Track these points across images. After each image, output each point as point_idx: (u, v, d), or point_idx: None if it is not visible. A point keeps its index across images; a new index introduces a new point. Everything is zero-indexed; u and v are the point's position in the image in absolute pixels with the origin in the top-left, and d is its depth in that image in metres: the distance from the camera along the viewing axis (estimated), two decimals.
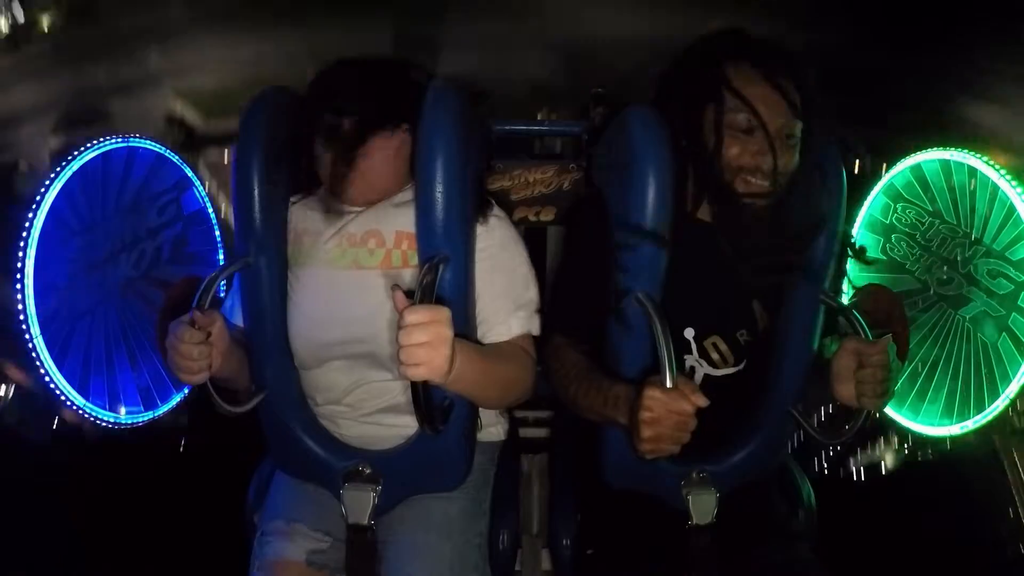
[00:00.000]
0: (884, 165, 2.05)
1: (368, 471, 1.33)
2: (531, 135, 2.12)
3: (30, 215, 1.61)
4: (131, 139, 1.83)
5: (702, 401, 1.08)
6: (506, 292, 1.32)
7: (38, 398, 1.70)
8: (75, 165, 1.69)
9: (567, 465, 1.57)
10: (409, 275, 1.29)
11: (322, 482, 1.37)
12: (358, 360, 1.32)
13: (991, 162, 1.75)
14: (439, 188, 1.18)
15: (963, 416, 1.82)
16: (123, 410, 1.82)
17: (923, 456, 2.08)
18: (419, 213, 1.21)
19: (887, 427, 2.09)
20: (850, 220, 2.03)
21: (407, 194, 1.33)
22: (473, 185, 1.27)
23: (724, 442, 1.36)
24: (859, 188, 2.05)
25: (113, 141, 1.78)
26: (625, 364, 1.26)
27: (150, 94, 2.15)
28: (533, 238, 1.40)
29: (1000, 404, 1.74)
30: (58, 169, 1.66)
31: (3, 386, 1.77)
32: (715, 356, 1.35)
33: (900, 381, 1.90)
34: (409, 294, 1.06)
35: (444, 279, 1.17)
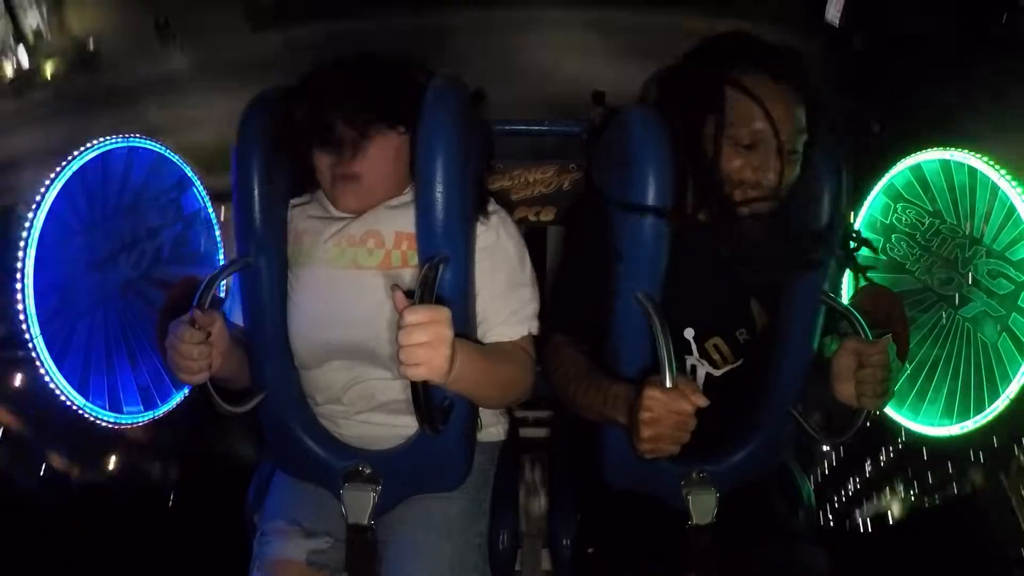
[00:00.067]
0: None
1: (368, 471, 1.33)
2: (531, 135, 2.12)
3: (30, 215, 1.61)
4: (131, 139, 1.83)
5: (702, 401, 1.08)
6: (506, 292, 1.32)
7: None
8: (75, 165, 1.69)
9: (567, 465, 1.57)
10: (409, 275, 1.29)
11: (322, 482, 1.37)
12: (358, 359, 1.32)
13: (991, 162, 1.75)
14: (439, 188, 1.18)
15: (963, 416, 1.82)
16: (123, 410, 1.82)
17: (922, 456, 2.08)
18: (419, 213, 1.21)
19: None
20: (861, 199, 2.01)
21: (407, 195, 1.33)
22: (473, 185, 1.27)
23: (724, 442, 1.36)
24: (877, 162, 2.02)
25: (113, 141, 1.78)
26: (625, 364, 1.26)
27: None
28: (533, 238, 1.40)
29: (1000, 404, 1.74)
30: (58, 169, 1.66)
31: None
32: (716, 357, 1.35)
33: (900, 381, 1.90)
34: (409, 294, 1.06)
35: (444, 279, 1.17)
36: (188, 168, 2.02)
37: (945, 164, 1.86)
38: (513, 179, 1.90)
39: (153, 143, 1.90)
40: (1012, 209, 1.71)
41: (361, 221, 1.33)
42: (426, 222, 1.20)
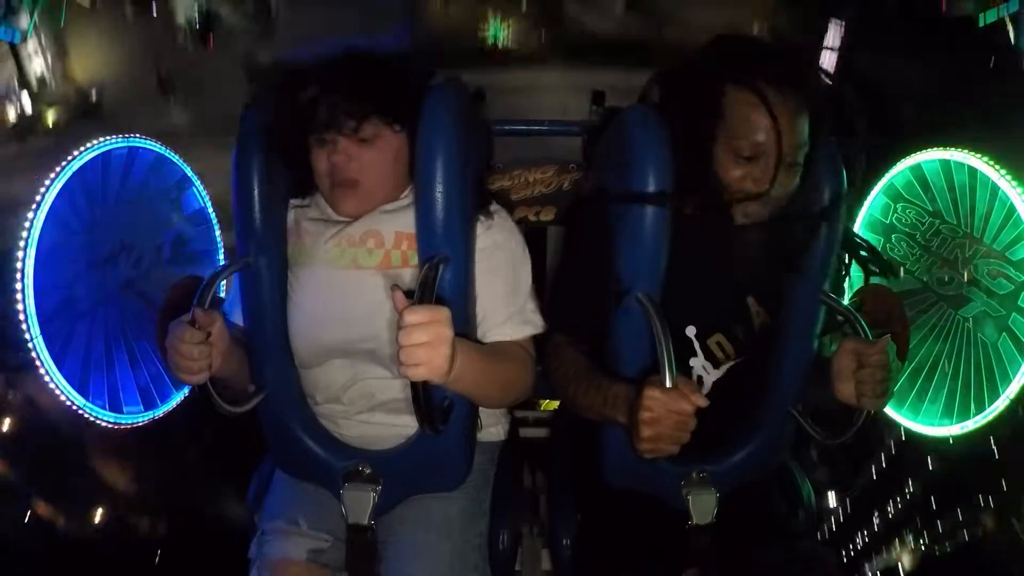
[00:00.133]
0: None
1: (368, 471, 1.33)
2: (531, 135, 2.12)
3: (30, 215, 1.61)
4: (131, 139, 1.83)
5: (702, 401, 1.09)
6: (506, 292, 1.32)
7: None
8: (75, 165, 1.69)
9: (567, 465, 1.57)
10: (409, 275, 1.29)
11: (322, 482, 1.37)
12: (358, 358, 1.32)
13: (991, 162, 1.75)
14: (439, 188, 1.18)
15: (963, 416, 1.81)
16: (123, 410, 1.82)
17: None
18: (419, 213, 1.21)
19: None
20: (860, 199, 2.00)
21: (407, 198, 1.33)
22: (473, 185, 1.27)
23: (724, 442, 1.36)
24: (877, 162, 2.01)
25: (113, 141, 1.78)
26: (625, 364, 1.26)
27: None
28: (533, 238, 1.40)
29: (1000, 404, 1.74)
30: (58, 169, 1.66)
31: None
32: (720, 355, 1.35)
33: (900, 381, 1.90)
34: (409, 294, 1.06)
35: (444, 279, 1.17)
36: (188, 168, 2.02)
37: (945, 164, 1.86)
38: (513, 179, 1.90)
39: (153, 143, 1.90)
40: (1012, 209, 1.71)
41: (361, 221, 1.33)
42: (426, 222, 1.20)
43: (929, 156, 1.90)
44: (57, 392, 1.66)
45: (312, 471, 1.37)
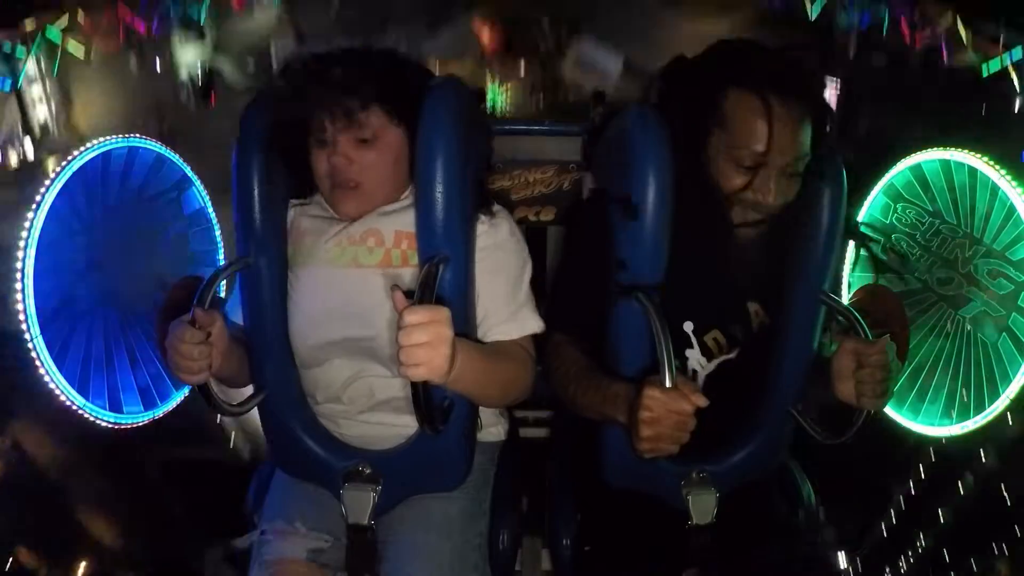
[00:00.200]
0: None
1: (368, 471, 1.33)
2: (531, 135, 2.12)
3: (30, 215, 1.61)
4: (131, 139, 1.83)
5: (702, 401, 1.09)
6: (506, 292, 1.32)
7: None
8: (75, 165, 1.69)
9: (566, 465, 1.58)
10: (409, 274, 1.29)
11: (322, 482, 1.37)
12: (358, 356, 1.32)
13: (991, 162, 1.75)
14: (439, 188, 1.18)
15: (963, 416, 1.81)
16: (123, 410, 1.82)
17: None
18: (419, 213, 1.21)
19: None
20: (861, 199, 2.00)
21: (407, 198, 1.33)
22: (473, 185, 1.27)
23: (724, 442, 1.36)
24: (877, 162, 2.02)
25: (113, 141, 1.78)
26: (625, 364, 1.26)
27: None
28: (533, 238, 1.40)
29: (1000, 404, 1.74)
30: (58, 169, 1.66)
31: None
32: (714, 348, 1.35)
33: (900, 381, 1.90)
34: (409, 294, 1.06)
35: (444, 279, 1.17)
36: (188, 168, 2.02)
37: (945, 164, 1.86)
38: (513, 179, 1.90)
39: (153, 143, 1.90)
40: (1012, 209, 1.71)
41: (362, 221, 1.33)
42: (426, 222, 1.20)
43: (929, 156, 1.90)
44: (57, 392, 1.66)
45: (312, 471, 1.37)
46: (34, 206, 1.61)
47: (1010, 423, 1.74)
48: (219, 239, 2.12)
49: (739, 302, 1.37)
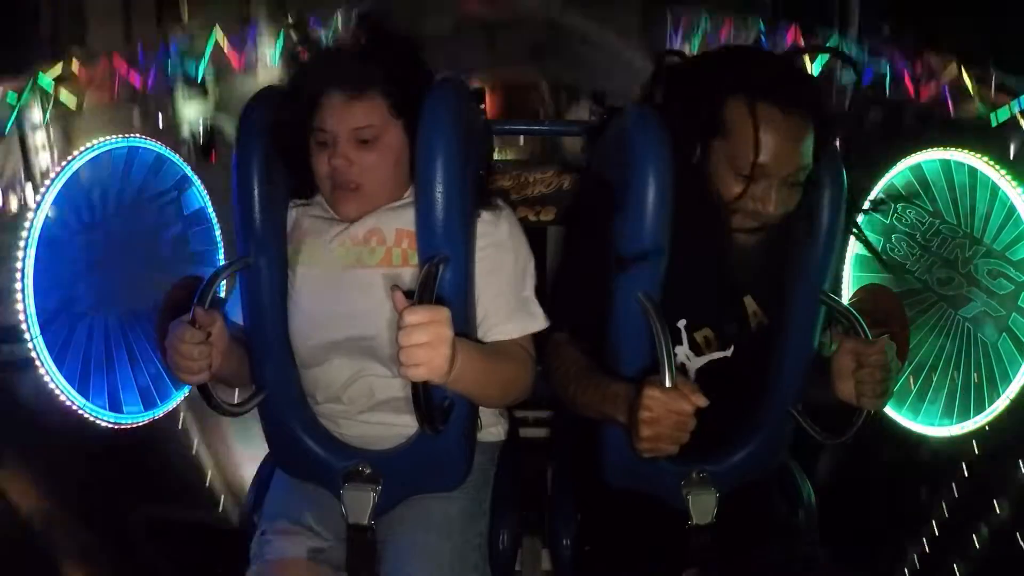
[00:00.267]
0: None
1: (368, 471, 1.33)
2: (531, 135, 2.12)
3: (30, 215, 1.61)
4: (131, 139, 1.83)
5: (702, 401, 1.08)
6: (508, 291, 1.32)
7: None
8: (75, 165, 1.69)
9: (566, 465, 1.57)
10: (409, 274, 1.29)
11: (322, 482, 1.37)
12: (358, 355, 1.32)
13: (991, 162, 1.75)
14: (439, 188, 1.18)
15: (963, 416, 1.82)
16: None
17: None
18: (419, 213, 1.21)
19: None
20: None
21: (408, 198, 1.33)
22: (473, 185, 1.27)
23: (724, 442, 1.36)
24: (877, 161, 2.02)
25: (113, 141, 1.78)
26: (625, 364, 1.26)
27: None
28: (533, 238, 1.40)
29: (1000, 404, 1.74)
30: (58, 169, 1.67)
31: None
32: (703, 345, 1.35)
33: (900, 381, 1.90)
34: (409, 294, 1.06)
35: (444, 279, 1.17)
36: (188, 168, 2.02)
37: (945, 164, 1.86)
38: (513, 179, 1.90)
39: (153, 143, 1.90)
40: (1012, 209, 1.71)
41: (363, 221, 1.33)
42: (426, 222, 1.20)
43: (929, 156, 1.90)
44: (57, 392, 1.66)
45: (312, 471, 1.37)
46: (34, 206, 1.61)
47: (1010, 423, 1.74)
48: (219, 239, 2.12)
49: (736, 301, 1.37)
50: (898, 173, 1.98)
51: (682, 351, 1.35)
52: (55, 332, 1.66)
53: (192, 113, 2.83)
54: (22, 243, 1.59)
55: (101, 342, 1.78)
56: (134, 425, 1.84)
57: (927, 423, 1.90)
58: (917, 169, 1.93)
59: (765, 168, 1.20)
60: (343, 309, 1.31)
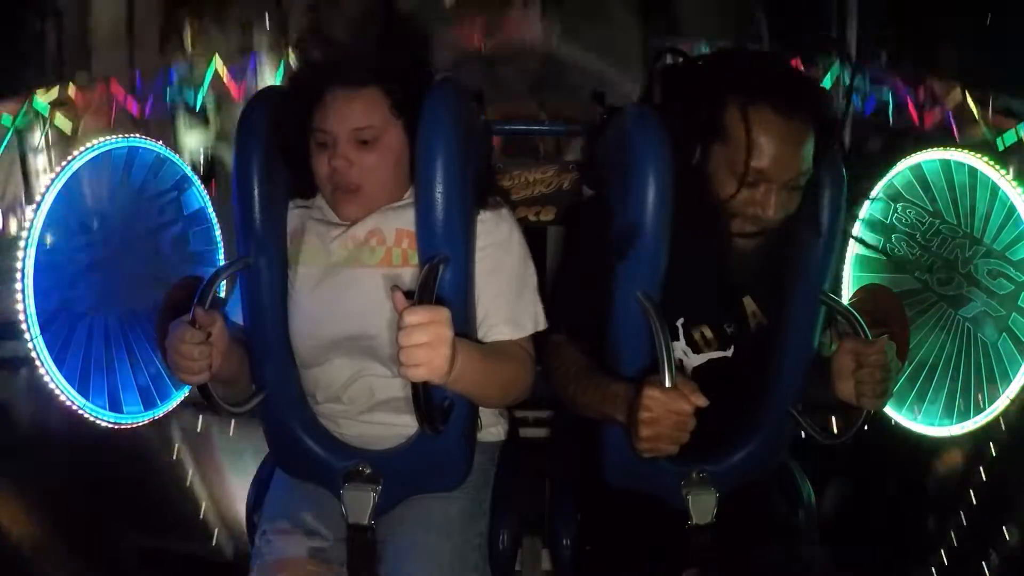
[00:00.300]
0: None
1: (368, 471, 1.33)
2: (531, 135, 2.12)
3: (31, 215, 1.61)
4: (131, 139, 1.83)
5: (701, 401, 1.08)
6: (507, 291, 1.32)
7: None
8: (75, 165, 1.69)
9: (567, 465, 1.57)
10: (409, 274, 1.29)
11: (322, 482, 1.37)
12: (359, 354, 1.32)
13: (991, 162, 1.75)
14: (439, 188, 1.18)
15: (963, 416, 1.82)
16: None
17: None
18: (419, 213, 1.21)
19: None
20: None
21: (408, 199, 1.33)
22: (473, 185, 1.27)
23: (724, 442, 1.36)
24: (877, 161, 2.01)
25: (113, 141, 1.78)
26: (624, 364, 1.26)
27: None
28: (533, 238, 1.40)
29: (1000, 404, 1.75)
30: (58, 169, 1.67)
31: None
32: (701, 342, 1.35)
33: (900, 381, 1.90)
34: (409, 294, 1.06)
35: (444, 279, 1.17)
36: (188, 168, 2.02)
37: (945, 164, 1.87)
38: (513, 179, 1.90)
39: (153, 143, 1.90)
40: (1012, 209, 1.71)
41: (363, 222, 1.33)
42: (426, 222, 1.20)
43: (929, 156, 1.90)
44: (57, 392, 1.66)
45: (312, 471, 1.37)
46: (34, 206, 1.61)
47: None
48: (219, 239, 2.12)
49: (735, 301, 1.37)
50: (898, 173, 1.98)
51: (679, 347, 1.35)
52: (55, 332, 1.66)
53: (193, 142, 2.85)
54: (22, 243, 1.59)
55: (101, 342, 1.78)
56: (134, 425, 1.85)
57: (927, 423, 1.90)
58: (917, 169, 1.93)
59: (765, 173, 1.20)
60: (343, 309, 1.31)
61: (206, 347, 1.18)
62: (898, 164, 1.97)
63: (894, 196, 1.99)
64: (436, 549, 1.30)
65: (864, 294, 1.85)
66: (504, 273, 1.32)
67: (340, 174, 1.26)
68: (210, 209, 2.08)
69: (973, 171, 1.79)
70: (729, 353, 1.36)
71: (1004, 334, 1.74)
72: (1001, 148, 2.06)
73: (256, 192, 1.28)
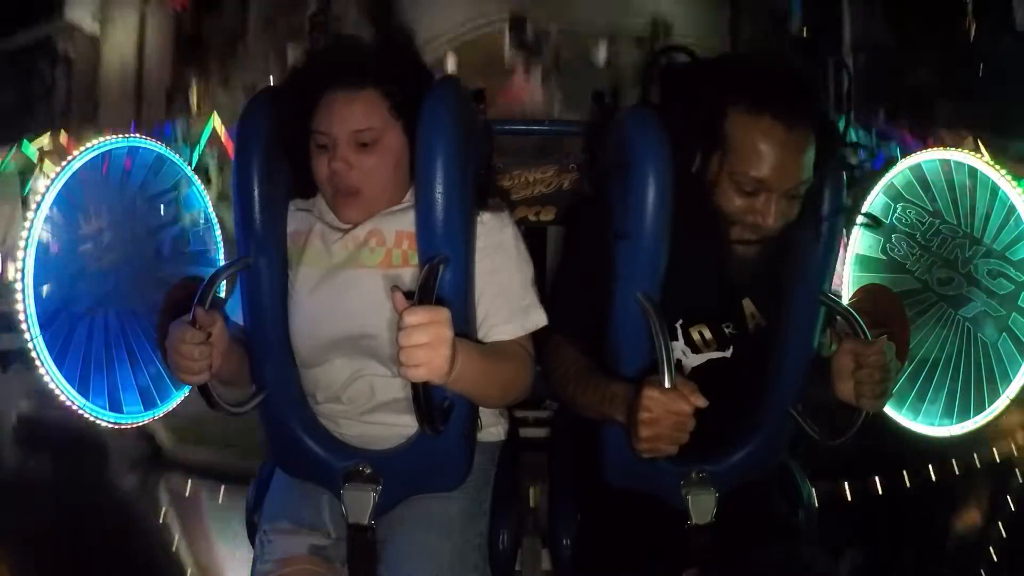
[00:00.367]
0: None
1: (368, 471, 1.33)
2: (531, 135, 2.12)
3: (31, 215, 1.61)
4: (131, 139, 1.83)
5: (701, 402, 1.09)
6: (507, 292, 1.32)
7: None
8: (75, 165, 1.69)
9: (567, 465, 1.58)
10: (409, 275, 1.29)
11: (322, 482, 1.37)
12: (359, 354, 1.32)
13: (991, 162, 1.75)
14: (439, 188, 1.18)
15: (963, 416, 1.82)
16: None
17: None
18: (419, 213, 1.21)
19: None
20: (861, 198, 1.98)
21: (408, 201, 1.33)
22: (473, 185, 1.27)
23: (724, 442, 1.36)
24: None
25: (113, 141, 1.78)
26: (624, 364, 1.26)
27: None
28: (533, 238, 1.40)
29: (1000, 404, 1.75)
30: (58, 169, 1.67)
31: None
32: (699, 342, 1.35)
33: (900, 381, 1.90)
34: (409, 295, 1.06)
35: (444, 279, 1.17)
36: (188, 168, 2.02)
37: (945, 164, 1.87)
38: (513, 179, 1.90)
39: (153, 143, 1.90)
40: (1012, 209, 1.71)
41: (364, 224, 1.33)
42: (426, 223, 1.20)
43: (929, 156, 1.90)
44: (57, 392, 1.66)
45: (312, 471, 1.37)
46: (34, 206, 1.61)
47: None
48: (219, 239, 2.12)
49: (734, 302, 1.37)
50: (898, 173, 1.98)
51: (678, 347, 1.35)
52: (55, 332, 1.66)
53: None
54: (22, 243, 1.59)
55: (101, 342, 1.78)
56: (134, 425, 1.85)
57: (927, 423, 1.90)
58: (917, 169, 1.93)
59: (765, 183, 1.19)
60: (343, 309, 1.31)
61: (206, 347, 1.18)
62: (898, 164, 1.97)
63: (894, 196, 1.99)
64: (436, 549, 1.30)
65: (864, 294, 1.86)
66: (504, 273, 1.32)
67: (340, 177, 1.26)
68: (210, 209, 2.08)
69: (973, 171, 1.79)
70: (728, 353, 1.36)
71: (1004, 334, 1.74)
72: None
73: (256, 192, 1.28)
